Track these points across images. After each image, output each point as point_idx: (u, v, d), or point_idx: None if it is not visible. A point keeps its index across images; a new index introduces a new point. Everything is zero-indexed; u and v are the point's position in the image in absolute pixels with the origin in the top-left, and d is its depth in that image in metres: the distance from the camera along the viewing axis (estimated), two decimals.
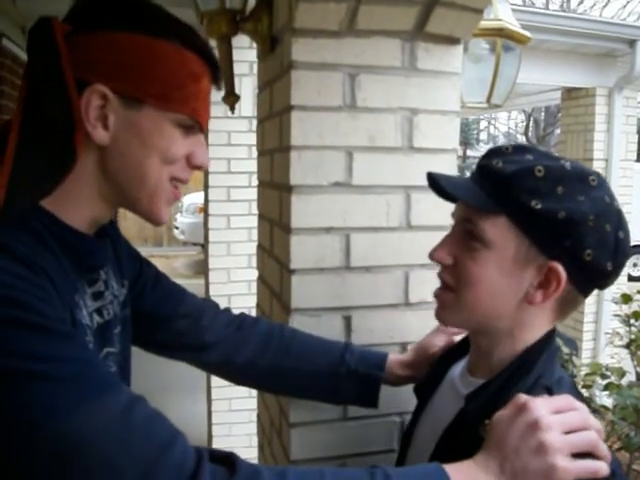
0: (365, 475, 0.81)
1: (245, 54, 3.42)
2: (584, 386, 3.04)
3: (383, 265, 1.39)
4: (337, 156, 1.34)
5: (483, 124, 25.32)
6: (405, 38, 1.36)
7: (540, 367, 0.95)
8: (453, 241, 1.01)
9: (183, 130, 0.94)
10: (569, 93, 6.07)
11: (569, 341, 3.64)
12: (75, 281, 0.91)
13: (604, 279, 0.96)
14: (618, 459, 0.88)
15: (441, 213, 1.41)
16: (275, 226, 1.51)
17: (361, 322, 1.39)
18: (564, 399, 0.87)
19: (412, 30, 1.36)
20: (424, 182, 1.37)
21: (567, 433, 0.83)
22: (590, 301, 5.82)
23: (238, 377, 1.34)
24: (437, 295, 1.05)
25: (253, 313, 3.49)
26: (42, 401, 0.71)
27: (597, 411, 2.90)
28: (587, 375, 3.06)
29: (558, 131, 19.68)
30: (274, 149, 1.51)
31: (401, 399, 1.39)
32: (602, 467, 0.83)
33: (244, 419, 3.86)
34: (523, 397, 0.86)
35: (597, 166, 5.69)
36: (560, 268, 0.92)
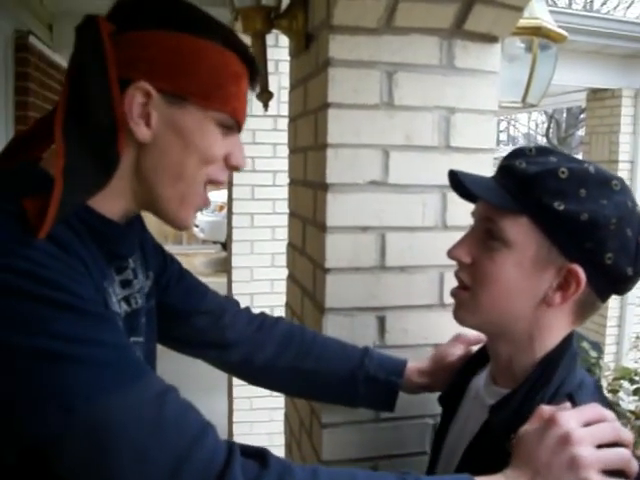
0: (395, 478, 0.81)
1: (270, 52, 3.40)
2: (610, 390, 3.01)
3: (418, 265, 1.37)
4: (373, 154, 1.33)
5: (503, 125, 25.15)
6: (443, 36, 1.35)
7: (561, 373, 0.94)
8: (472, 240, 1.00)
9: (223, 130, 0.94)
10: (594, 94, 6.02)
11: (594, 345, 3.62)
12: (104, 268, 0.91)
13: (623, 284, 0.95)
14: None
15: None
16: (308, 224, 1.50)
17: (395, 322, 1.37)
18: (592, 410, 0.86)
19: (450, 28, 1.34)
20: None
21: (599, 446, 0.82)
22: (614, 305, 5.77)
23: (257, 377, 1.33)
24: (454, 294, 1.05)
25: (276, 312, 3.51)
26: (77, 384, 0.71)
27: (623, 415, 2.87)
28: (615, 379, 3.03)
29: (580, 132, 19.55)
30: (308, 147, 1.50)
31: (434, 401, 1.36)
32: None
33: (265, 418, 3.86)
34: (547, 409, 0.85)
35: (622, 168, 5.63)
36: (580, 270, 0.91)
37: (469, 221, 1.38)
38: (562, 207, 0.89)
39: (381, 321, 1.37)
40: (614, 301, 5.75)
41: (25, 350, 0.70)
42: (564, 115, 20.71)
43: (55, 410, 0.70)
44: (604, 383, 3.14)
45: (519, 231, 0.93)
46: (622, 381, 3.03)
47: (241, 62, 0.95)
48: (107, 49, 0.85)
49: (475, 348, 1.23)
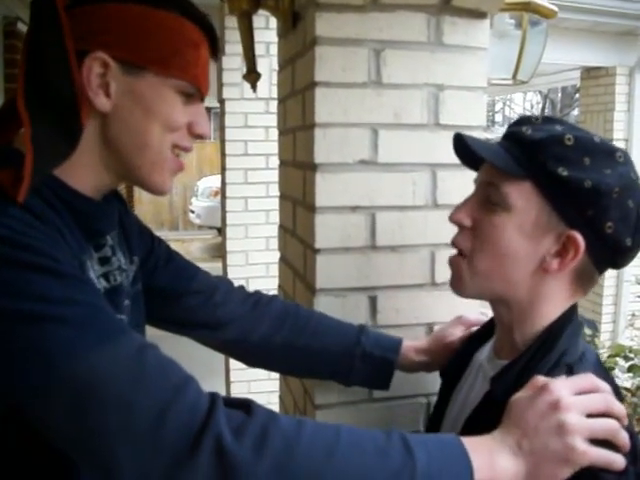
0: (382, 435, 0.81)
1: (261, 35, 3.40)
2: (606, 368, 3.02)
3: (409, 244, 1.36)
4: (362, 133, 1.32)
5: (498, 106, 25.08)
6: (431, 12, 1.33)
7: (563, 344, 0.94)
8: (473, 204, 1.01)
9: (184, 98, 0.95)
10: (588, 72, 6.00)
11: (590, 323, 3.63)
12: (82, 243, 0.93)
13: (621, 255, 0.95)
14: (638, 450, 0.86)
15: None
16: (298, 206, 1.49)
17: (387, 302, 1.37)
18: (587, 379, 0.86)
19: (438, 4, 1.33)
20: (450, 160, 1.35)
21: (589, 416, 0.82)
22: (609, 283, 5.78)
23: (252, 355, 1.33)
24: (452, 262, 1.05)
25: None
26: (58, 342, 0.73)
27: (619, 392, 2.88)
28: (610, 357, 3.04)
29: (575, 112, 19.51)
30: (297, 127, 1.48)
31: (427, 380, 1.37)
32: (619, 460, 0.81)
33: (263, 401, 3.80)
34: (541, 378, 0.86)
35: None
36: (579, 237, 0.91)
37: (460, 199, 1.38)
38: (566, 173, 0.90)
39: (372, 301, 1.36)
40: (610, 279, 5.76)
41: (5, 312, 0.72)
42: (559, 95, 20.68)
43: (37, 368, 0.72)
44: None
45: (521, 196, 0.94)
46: (617, 358, 3.04)
47: (199, 30, 0.96)
48: (63, 19, 0.86)
49: (475, 329, 1.23)
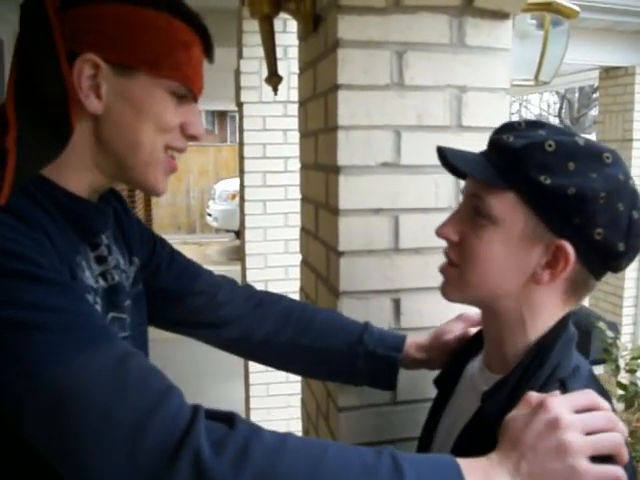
0: (371, 453, 0.79)
1: (279, 38, 3.38)
2: (628, 370, 3.00)
3: (432, 247, 1.36)
4: (385, 136, 1.31)
5: (515, 107, 24.96)
6: (453, 14, 1.33)
7: (555, 357, 0.91)
8: (460, 218, 0.98)
9: (176, 98, 0.95)
10: (607, 72, 5.95)
11: (611, 325, 3.59)
12: (77, 244, 0.93)
13: (615, 260, 0.91)
14: (634, 465, 0.84)
15: None
16: (321, 208, 1.49)
17: (410, 305, 1.37)
18: (586, 396, 0.83)
19: (460, 5, 1.32)
20: None
21: (589, 434, 0.79)
22: (630, 285, 5.72)
23: (255, 353, 1.34)
24: (442, 270, 1.03)
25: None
26: (38, 350, 0.73)
27: (637, 395, 2.86)
28: (632, 359, 3.01)
29: (593, 112, 19.38)
30: (318, 130, 1.48)
31: None
32: (621, 474, 0.79)
33: (282, 404, 3.87)
34: (535, 395, 0.83)
35: (637, 147, 5.57)
36: (568, 247, 0.88)
37: None
38: (548, 181, 0.87)
39: (396, 303, 1.36)
40: (630, 280, 5.70)
41: None
42: (576, 95, 20.54)
43: (17, 375, 0.72)
44: (622, 363, 3.12)
45: (506, 207, 0.91)
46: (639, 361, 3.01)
47: (190, 30, 0.95)
48: (53, 22, 0.86)
49: (473, 330, 1.21)
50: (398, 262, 1.35)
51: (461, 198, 1.02)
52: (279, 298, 1.34)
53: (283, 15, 1.60)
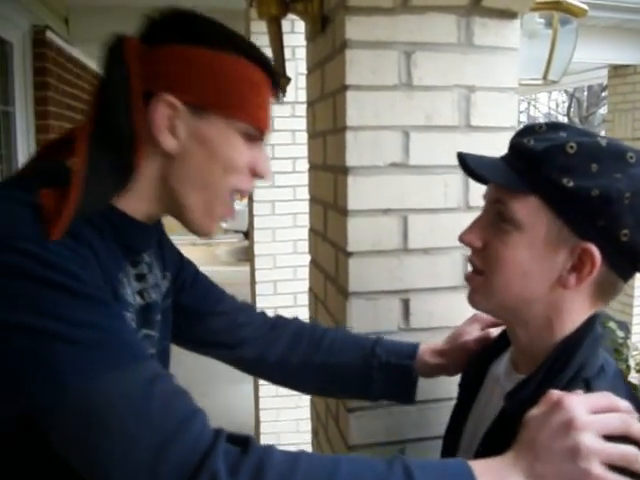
0: (383, 464, 0.79)
1: (287, 39, 3.38)
2: (639, 370, 2.99)
3: (441, 247, 1.36)
4: (393, 136, 1.31)
5: (523, 106, 24.87)
6: (461, 13, 1.33)
7: (580, 357, 0.90)
8: (483, 223, 0.97)
9: (247, 139, 0.97)
10: (616, 70, 5.93)
11: (622, 325, 3.58)
12: (120, 260, 0.94)
13: None
14: None
15: None
16: (329, 209, 1.49)
17: (420, 305, 1.37)
18: (605, 397, 0.82)
19: (468, 5, 1.32)
20: None
21: (606, 438, 0.77)
22: None
23: (272, 374, 1.34)
24: (468, 279, 1.02)
25: (299, 298, 3.51)
26: (69, 364, 0.74)
27: None
28: None
29: (601, 111, 19.30)
30: (327, 131, 1.49)
31: None
32: None
33: (291, 404, 3.87)
34: (556, 394, 0.82)
35: None
36: (594, 249, 0.86)
37: None
38: (571, 184, 0.85)
39: (405, 304, 1.36)
40: None
41: (23, 329, 0.74)
42: (585, 94, 20.46)
43: (48, 387, 0.74)
44: (632, 363, 3.10)
45: (529, 212, 0.89)
46: None
47: (262, 73, 0.98)
48: (131, 65, 0.89)
49: (493, 331, 1.20)
50: (407, 262, 1.35)
51: (482, 203, 1.01)
52: (290, 320, 1.35)
53: (291, 16, 1.61)
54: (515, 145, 0.95)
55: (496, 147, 1.36)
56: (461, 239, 0.99)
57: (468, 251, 1.35)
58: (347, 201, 1.31)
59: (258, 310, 1.36)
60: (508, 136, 1.36)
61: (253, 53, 0.97)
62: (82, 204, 0.83)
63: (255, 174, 1.00)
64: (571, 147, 0.87)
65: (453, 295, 1.38)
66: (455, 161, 1.32)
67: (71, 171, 0.86)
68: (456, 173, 1.35)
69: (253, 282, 3.93)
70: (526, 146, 0.91)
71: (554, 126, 0.94)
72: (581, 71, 6.74)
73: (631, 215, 0.85)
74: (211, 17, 0.97)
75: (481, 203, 1.34)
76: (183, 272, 1.24)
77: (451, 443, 1.15)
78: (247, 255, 5.05)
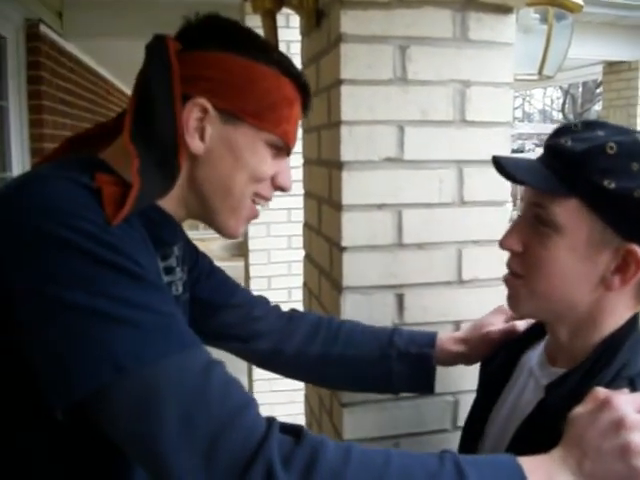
0: (434, 459, 0.79)
1: (282, 33, 3.37)
2: None
3: (436, 242, 1.36)
4: (388, 131, 1.31)
5: (518, 102, 24.89)
6: (456, 8, 1.32)
7: (623, 355, 0.89)
8: (522, 227, 0.95)
9: (273, 151, 0.99)
10: (611, 67, 5.95)
11: None
12: (152, 252, 0.95)
13: None
14: None
15: (494, 188, 1.38)
16: (324, 204, 1.49)
17: (414, 300, 1.36)
18: None
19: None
20: (477, 157, 1.36)
21: None
22: None
23: (288, 367, 1.33)
24: (507, 281, 1.00)
25: (294, 293, 3.51)
26: (128, 345, 0.74)
27: None
28: None
29: (596, 107, 19.33)
30: (322, 126, 1.48)
31: (454, 378, 1.37)
32: None
33: (285, 399, 3.87)
34: (603, 392, 0.81)
35: None
36: (638, 250, 0.85)
37: (487, 196, 1.37)
38: (613, 185, 0.84)
39: (400, 299, 1.36)
40: None
41: (83, 309, 0.74)
42: (580, 90, 20.51)
43: (107, 368, 0.73)
44: None
45: (570, 215, 0.88)
46: None
47: (295, 88, 1.00)
48: (174, 67, 0.90)
49: (520, 323, 1.19)
50: (401, 257, 1.35)
51: (477, 198, 1.00)
52: (306, 314, 1.36)
53: (286, 10, 1.60)
54: (552, 146, 0.93)
55: (491, 142, 1.36)
56: (501, 245, 0.98)
57: (463, 246, 1.37)
58: (341, 196, 1.31)
59: (272, 304, 1.36)
60: (503, 131, 1.38)
61: (289, 67, 0.98)
62: (139, 196, 0.84)
63: (276, 185, 1.02)
64: (611, 148, 0.85)
65: (447, 290, 1.38)
66: (450, 156, 1.34)
67: (104, 162, 0.90)
68: (451, 168, 1.35)
69: (247, 277, 3.93)
70: (564, 147, 0.90)
71: (590, 125, 0.92)
72: (576, 67, 6.75)
73: None
74: (250, 28, 1.00)
75: (476, 198, 1.36)
76: (199, 265, 1.25)
77: (475, 433, 1.13)
78: (241, 250, 5.04)
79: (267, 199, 1.02)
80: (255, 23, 3.23)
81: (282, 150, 1.00)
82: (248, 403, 0.78)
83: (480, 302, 1.38)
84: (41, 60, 4.09)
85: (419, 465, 0.78)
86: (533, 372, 1.04)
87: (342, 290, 1.34)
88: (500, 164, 0.94)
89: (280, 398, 3.90)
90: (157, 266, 0.94)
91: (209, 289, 1.25)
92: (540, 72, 2.21)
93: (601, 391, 0.81)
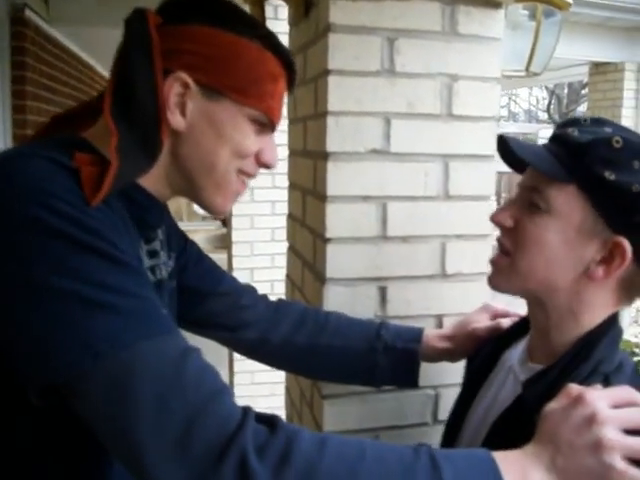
0: (409, 452, 0.79)
1: (270, 25, 3.34)
2: None
3: (420, 235, 1.36)
4: (375, 122, 1.31)
5: (504, 101, 24.98)
6: (446, 1, 1.32)
7: (600, 352, 0.90)
8: (516, 206, 0.97)
9: (257, 127, 0.97)
10: (597, 68, 5.98)
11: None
12: (136, 235, 0.95)
13: None
14: None
15: (479, 183, 1.38)
16: (308, 195, 1.49)
17: (397, 293, 1.36)
18: (624, 391, 0.81)
19: None
20: (463, 151, 1.35)
21: (627, 432, 0.77)
22: None
23: (275, 357, 1.33)
24: (493, 260, 1.01)
25: (276, 286, 3.50)
26: (104, 329, 0.73)
27: None
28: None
29: (581, 108, 19.44)
30: (308, 116, 1.47)
31: (435, 372, 1.37)
32: None
33: (266, 392, 3.87)
34: (576, 388, 0.81)
35: None
36: (626, 244, 0.87)
37: (472, 191, 1.37)
38: (613, 177, 0.86)
39: (382, 291, 1.36)
40: None
41: (61, 292, 0.73)
42: (565, 91, 20.62)
43: (82, 351, 0.72)
44: None
45: (565, 200, 0.90)
46: None
47: (280, 64, 0.98)
48: (154, 40, 0.89)
49: (505, 321, 1.20)
50: (385, 250, 1.34)
51: (464, 192, 1.00)
52: (293, 303, 1.36)
53: (274, 1, 1.59)
54: (559, 135, 0.95)
55: (477, 136, 1.36)
56: (492, 219, 1.00)
57: (447, 240, 1.37)
58: (326, 187, 1.30)
59: (260, 293, 1.36)
60: (490, 126, 1.38)
61: (275, 43, 0.97)
62: (118, 175, 0.83)
63: (261, 162, 1.00)
64: (617, 141, 0.87)
65: (431, 283, 1.38)
66: (436, 149, 1.34)
67: (87, 141, 0.88)
68: (436, 161, 1.34)
69: (230, 269, 3.91)
70: (570, 136, 0.92)
71: (598, 121, 0.94)
72: (562, 67, 6.78)
73: None
74: (235, 3, 0.97)
75: (461, 192, 1.36)
76: (186, 252, 1.24)
77: (455, 427, 1.14)
78: (224, 242, 5.03)
79: (252, 176, 1.01)
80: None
81: (266, 126, 0.99)
82: (224, 390, 0.77)
83: (463, 296, 1.39)
84: (26, 46, 4.05)
85: (394, 457, 0.78)
86: (513, 368, 1.05)
87: (325, 281, 1.33)
88: (505, 142, 0.95)
89: (261, 391, 3.90)
90: (137, 249, 0.93)
91: (197, 277, 1.24)
92: (527, 68, 2.21)
93: (574, 387, 0.82)
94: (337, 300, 1.33)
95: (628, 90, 5.67)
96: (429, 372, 1.35)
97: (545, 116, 22.98)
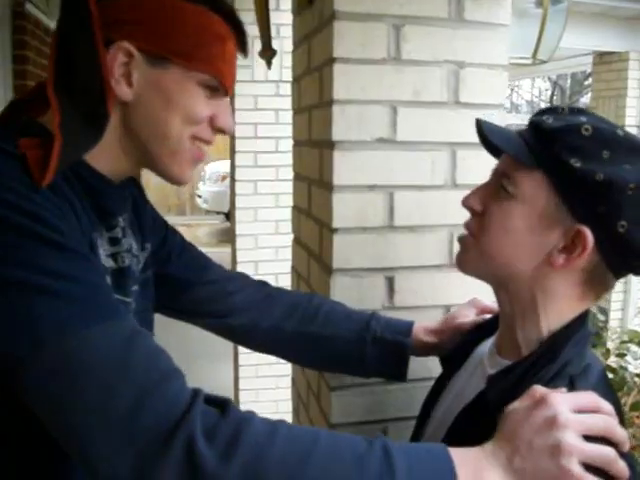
0: (363, 442, 0.78)
1: (272, 16, 3.35)
2: (618, 354, 3.01)
3: (427, 225, 1.34)
4: (381, 111, 1.29)
5: (506, 92, 24.86)
6: None
7: (568, 353, 0.89)
8: (485, 191, 0.98)
9: (208, 91, 0.95)
10: (601, 57, 5.94)
11: (602, 309, 3.61)
12: (95, 222, 0.94)
13: (636, 259, 0.88)
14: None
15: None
16: (314, 185, 1.47)
17: (404, 283, 1.35)
18: (588, 397, 0.81)
19: None
20: (470, 138, 1.33)
21: (587, 438, 0.77)
22: None
23: (262, 342, 1.32)
24: (461, 239, 1.02)
25: (281, 279, 3.49)
26: (49, 316, 0.73)
27: (623, 381, 2.87)
28: (622, 342, 3.02)
29: (584, 99, 19.38)
30: (313, 106, 1.46)
31: None
32: None
33: (271, 385, 3.86)
34: (540, 389, 0.81)
35: None
36: (588, 233, 0.85)
37: (479, 179, 1.35)
38: (578, 164, 0.85)
39: (390, 282, 1.34)
40: None
41: (2, 280, 0.73)
42: (568, 81, 20.54)
43: (25, 339, 0.72)
44: (611, 346, 3.13)
45: (531, 185, 0.90)
46: (630, 345, 3.02)
47: (226, 24, 0.96)
48: (92, 9, 0.87)
49: (488, 316, 1.20)
50: (392, 240, 1.33)
51: (469, 181, 1.00)
52: (288, 291, 1.35)
53: None
54: (533, 122, 0.95)
55: None
56: (462, 202, 1.00)
57: (455, 229, 1.36)
58: (332, 176, 1.29)
59: (259, 280, 1.35)
60: (497, 113, 1.36)
61: (217, 4, 0.95)
62: (63, 155, 0.81)
63: (215, 127, 0.98)
64: (586, 129, 0.87)
65: (438, 273, 1.36)
66: (443, 137, 1.33)
67: (42, 125, 0.86)
68: (443, 150, 1.33)
69: (234, 262, 3.91)
70: (544, 122, 0.91)
71: (576, 110, 0.94)
72: (566, 57, 6.75)
73: (632, 208, 0.84)
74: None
75: (468, 181, 1.34)
76: (168, 243, 1.23)
77: (424, 418, 1.14)
78: (228, 236, 5.03)
79: (208, 142, 0.99)
80: (246, 5, 3.20)
81: (218, 90, 0.97)
82: (172, 372, 0.77)
83: (470, 287, 1.36)
84: (26, 39, 4.04)
85: (347, 447, 0.77)
86: (482, 361, 1.05)
87: (332, 272, 1.32)
88: (479, 126, 0.96)
89: (266, 384, 3.89)
90: (90, 235, 0.91)
91: (181, 266, 1.24)
92: (534, 56, 2.19)
93: (539, 389, 0.81)
94: (344, 291, 1.32)
95: (632, 80, 5.63)
96: (437, 364, 1.33)
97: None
